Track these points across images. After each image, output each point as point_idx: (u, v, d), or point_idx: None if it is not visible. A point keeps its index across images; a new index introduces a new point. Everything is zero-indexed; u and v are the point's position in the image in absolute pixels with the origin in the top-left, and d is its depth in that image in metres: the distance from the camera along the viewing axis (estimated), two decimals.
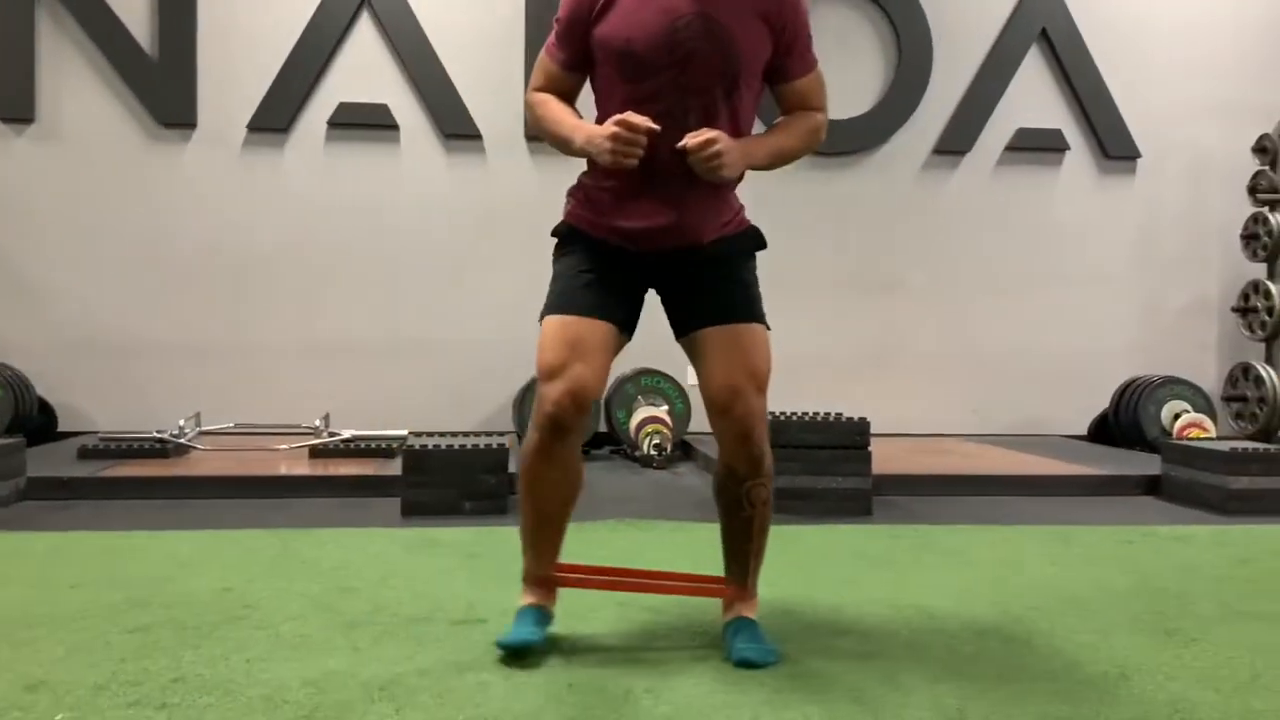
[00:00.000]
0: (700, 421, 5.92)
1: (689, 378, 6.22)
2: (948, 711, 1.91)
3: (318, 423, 5.41)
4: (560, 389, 2.12)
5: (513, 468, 4.24)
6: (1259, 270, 6.42)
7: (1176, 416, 5.84)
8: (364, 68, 6.14)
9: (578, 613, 2.48)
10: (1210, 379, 6.53)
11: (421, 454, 3.92)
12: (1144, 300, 6.73)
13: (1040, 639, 2.38)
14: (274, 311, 6.11)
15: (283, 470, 4.66)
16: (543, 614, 2.26)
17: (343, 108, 6.09)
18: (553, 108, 2.23)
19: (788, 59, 2.16)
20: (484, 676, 2.07)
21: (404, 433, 5.10)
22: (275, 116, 6.07)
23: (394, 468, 4.37)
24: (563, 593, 2.36)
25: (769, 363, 2.20)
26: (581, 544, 3.35)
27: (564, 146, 2.21)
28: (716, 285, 2.21)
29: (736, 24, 2.07)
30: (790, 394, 6.09)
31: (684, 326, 2.26)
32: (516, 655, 2.14)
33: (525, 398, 5.70)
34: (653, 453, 5.36)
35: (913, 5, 6.43)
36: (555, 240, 2.35)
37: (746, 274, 2.25)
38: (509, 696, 1.96)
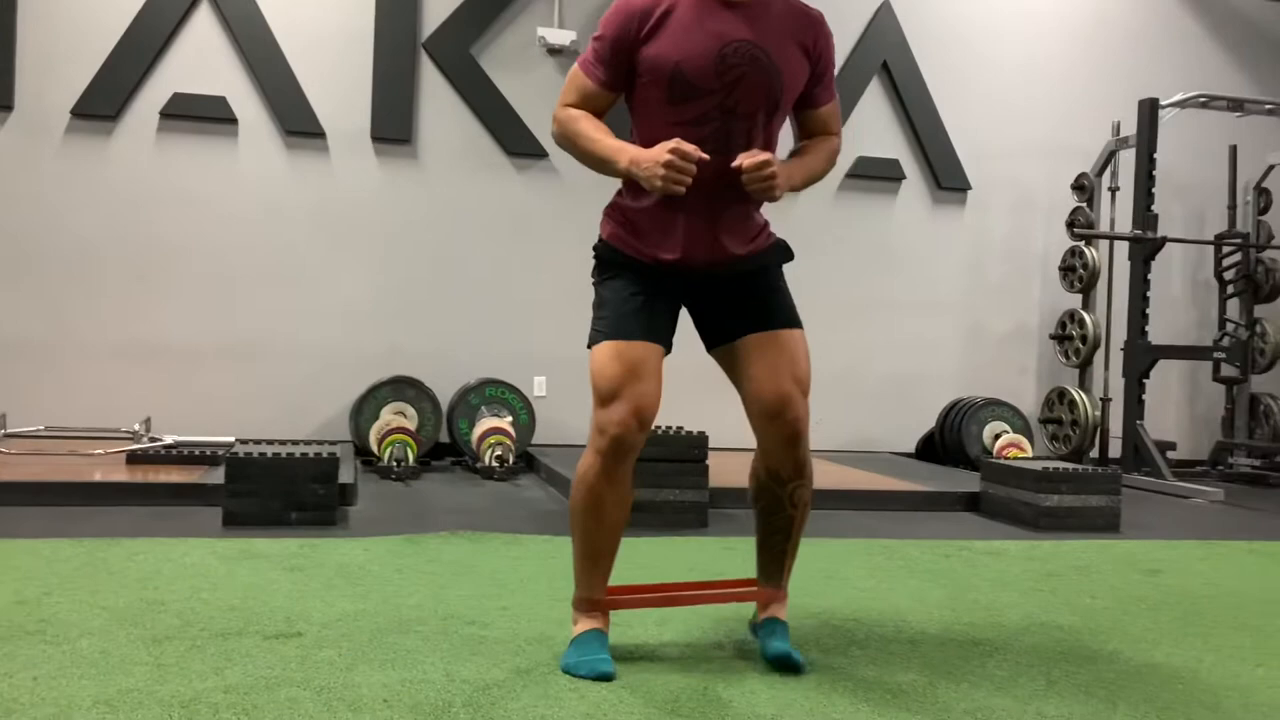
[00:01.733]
0: (544, 433, 5.91)
1: (535, 389, 6.23)
2: None
3: (137, 427, 5.14)
4: (624, 410, 2.14)
5: (344, 478, 4.13)
6: (1075, 300, 6.83)
7: (997, 437, 6.14)
8: (202, 58, 5.89)
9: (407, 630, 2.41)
10: (1029, 402, 6.91)
11: (245, 461, 3.76)
12: (970, 325, 7.07)
13: (856, 648, 2.45)
14: (94, 309, 5.77)
15: (97, 477, 4.41)
16: (602, 637, 2.23)
17: (177, 98, 5.82)
18: (588, 126, 2.23)
19: (817, 87, 2.27)
20: (295, 692, 1.99)
21: (231, 439, 4.90)
22: (103, 103, 5.76)
23: (217, 476, 4.18)
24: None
25: (810, 366, 2.27)
26: (411, 557, 3.29)
27: (601, 166, 2.22)
28: (755, 295, 2.28)
29: (779, 51, 2.16)
30: None
31: (723, 336, 2.30)
32: (600, 680, 2.12)
33: (363, 406, 5.56)
34: (494, 464, 5.30)
35: None
36: (595, 258, 2.34)
37: (781, 283, 2.33)
38: (320, 712, 1.89)
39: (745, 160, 2.09)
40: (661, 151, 2.07)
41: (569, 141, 2.26)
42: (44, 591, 2.67)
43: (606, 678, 2.11)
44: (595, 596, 2.26)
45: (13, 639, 2.26)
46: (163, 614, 2.51)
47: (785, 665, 2.21)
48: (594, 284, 2.32)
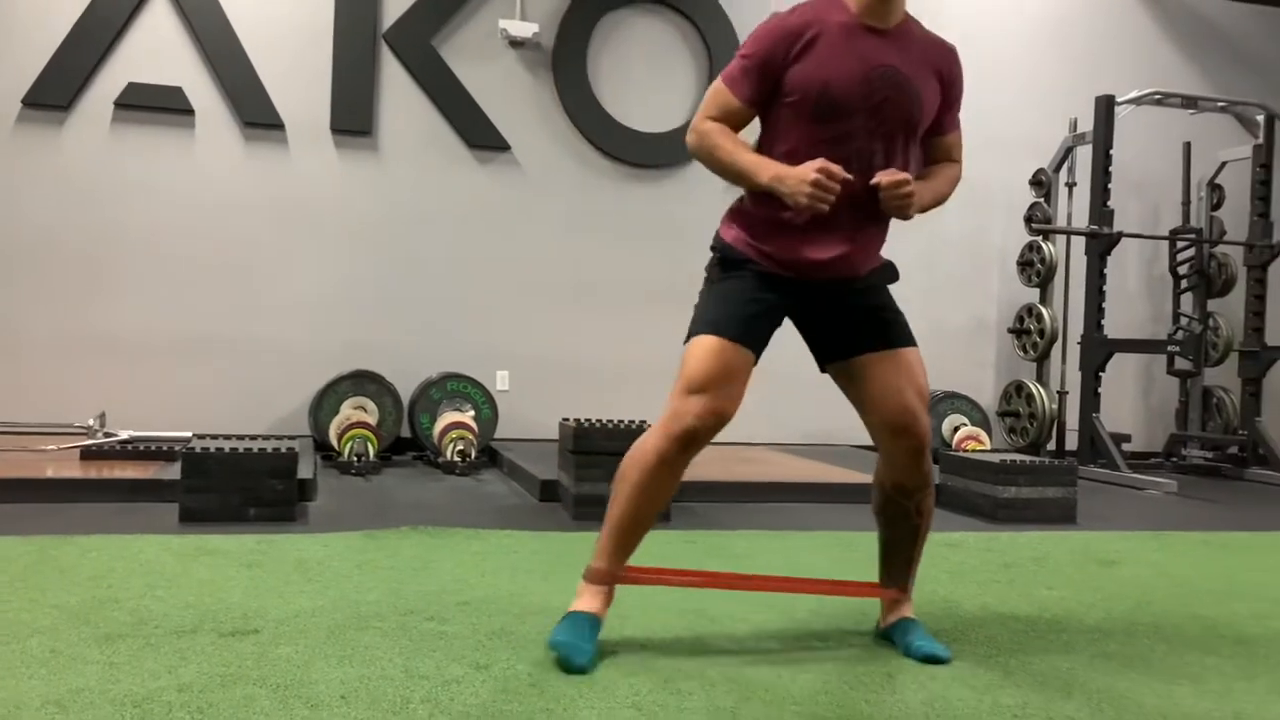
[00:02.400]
0: (507, 428, 5.89)
1: (498, 383, 6.21)
2: (720, 715, 1.94)
3: (92, 422, 5.06)
4: (706, 405, 2.22)
5: (303, 473, 4.09)
6: (1033, 295, 6.91)
7: (956, 429, 6.21)
8: (157, 47, 5.80)
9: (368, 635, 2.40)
10: (987, 395, 6.98)
11: (202, 457, 3.72)
12: (929, 319, 7.09)
13: (816, 640, 2.47)
14: (46, 302, 5.68)
15: (49, 473, 4.33)
16: (597, 623, 2.27)
17: (132, 88, 5.74)
18: (728, 139, 2.28)
19: (947, 114, 2.35)
20: (251, 690, 1.97)
21: (188, 434, 4.84)
22: (55, 93, 5.66)
23: (174, 471, 4.13)
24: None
25: (928, 383, 2.37)
26: (371, 553, 3.27)
27: (739, 179, 2.28)
28: (874, 313, 2.36)
29: (920, 77, 2.26)
30: (599, 403, 6.15)
31: (842, 353, 2.37)
32: (569, 671, 2.13)
33: (323, 401, 5.51)
34: (456, 458, 5.28)
35: (721, 20, 6.60)
36: (717, 257, 2.40)
37: (893, 302, 2.42)
38: (276, 710, 1.87)
39: (884, 178, 2.18)
40: (808, 170, 2.14)
41: (708, 153, 2.31)
42: None
43: (577, 670, 2.12)
44: (614, 571, 2.31)
45: None
46: (116, 612, 2.47)
47: (935, 660, 2.31)
48: (709, 281, 2.40)
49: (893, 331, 2.35)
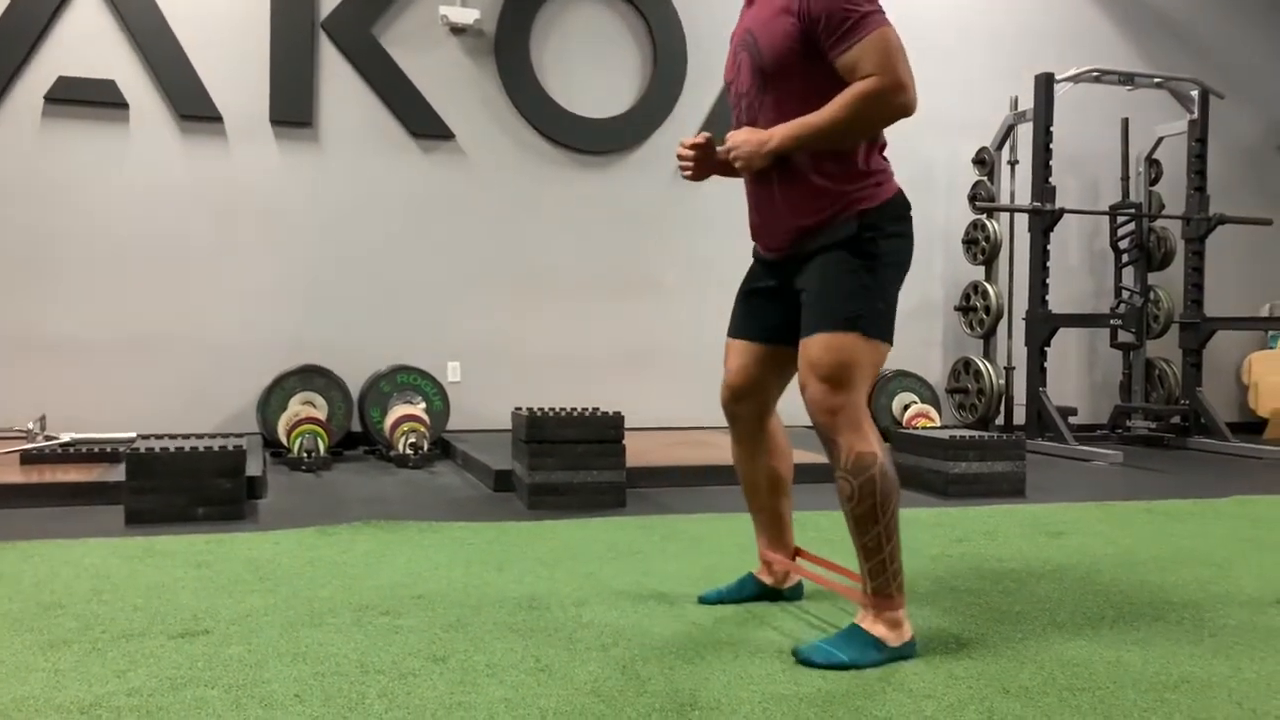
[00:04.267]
0: (459, 419, 5.85)
1: (449, 374, 6.16)
2: (680, 697, 1.94)
3: (31, 425, 4.93)
4: (722, 392, 2.55)
5: (252, 471, 4.03)
6: (978, 273, 6.99)
7: (906, 407, 6.27)
8: (87, 39, 5.65)
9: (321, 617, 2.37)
10: (936, 373, 7.06)
11: (147, 457, 3.64)
12: None
13: (772, 619, 2.48)
14: None
15: None
16: (751, 580, 2.63)
17: (62, 82, 5.59)
18: None
19: (826, 40, 2.18)
20: (203, 692, 1.94)
21: (132, 435, 4.75)
22: None
23: (118, 473, 4.05)
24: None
25: (842, 355, 2.20)
26: (323, 549, 3.23)
27: None
28: (801, 299, 2.31)
29: (765, 26, 2.26)
30: (551, 391, 6.13)
31: (788, 341, 2.39)
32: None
33: (270, 397, 5.43)
34: (408, 451, 5.23)
35: (666, 6, 6.58)
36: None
37: (828, 275, 2.25)
38: (229, 711, 1.84)
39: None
40: None
41: None
42: None
43: (705, 600, 2.60)
44: (759, 548, 2.65)
45: None
46: (60, 617, 2.41)
47: (805, 664, 2.15)
48: None
49: (810, 315, 2.27)
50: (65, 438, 4.83)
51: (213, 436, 4.26)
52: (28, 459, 4.60)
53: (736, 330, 2.52)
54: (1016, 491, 4.55)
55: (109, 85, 5.66)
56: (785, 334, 2.37)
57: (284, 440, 5.21)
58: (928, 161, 7.18)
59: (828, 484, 2.40)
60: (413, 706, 1.88)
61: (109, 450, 4.73)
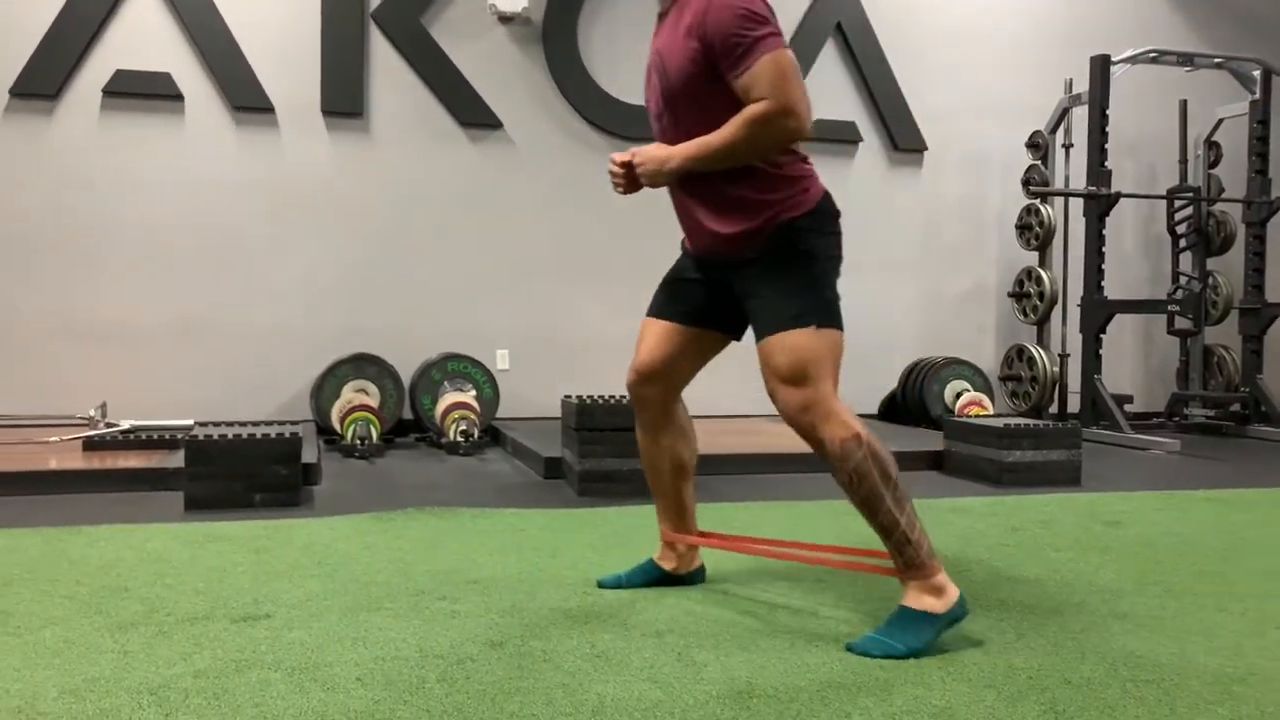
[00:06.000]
0: (508, 407, 5.88)
1: (498, 362, 6.19)
2: (738, 685, 1.94)
3: (93, 413, 5.04)
4: (629, 375, 2.57)
5: (307, 458, 4.09)
6: (1032, 258, 6.89)
7: (958, 395, 6.20)
8: (144, 33, 5.75)
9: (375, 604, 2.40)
10: (988, 360, 6.98)
11: (205, 444, 3.71)
12: (928, 286, 7.11)
13: (826, 609, 2.47)
14: (44, 294, 5.65)
15: (52, 464, 4.32)
16: (652, 566, 2.66)
17: (120, 75, 5.69)
18: None
19: (723, 63, 2.20)
20: (267, 674, 1.97)
21: (190, 423, 4.83)
22: (42, 82, 5.61)
23: (177, 460, 4.13)
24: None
25: (797, 353, 2.24)
26: (378, 535, 3.27)
27: None
28: (745, 304, 2.35)
29: (675, 49, 2.27)
30: (599, 379, 6.13)
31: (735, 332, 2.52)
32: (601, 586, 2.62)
33: (324, 385, 5.50)
34: (459, 439, 5.27)
35: None
36: None
37: (768, 281, 2.29)
38: (293, 694, 1.87)
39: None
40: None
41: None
42: (3, 582, 2.62)
43: (603, 585, 2.64)
44: (662, 531, 2.66)
45: None
46: (127, 601, 2.47)
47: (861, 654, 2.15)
48: None
49: (758, 323, 2.32)
50: (125, 425, 4.94)
51: (268, 424, 4.32)
52: (90, 445, 4.70)
53: (655, 311, 2.55)
54: (1072, 480, 4.49)
55: (165, 78, 5.75)
56: (705, 318, 2.47)
57: (337, 427, 5.28)
58: (980, 146, 7.08)
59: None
60: (472, 691, 1.90)
61: (167, 437, 4.82)
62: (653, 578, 2.65)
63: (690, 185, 2.34)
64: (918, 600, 2.18)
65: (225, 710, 1.79)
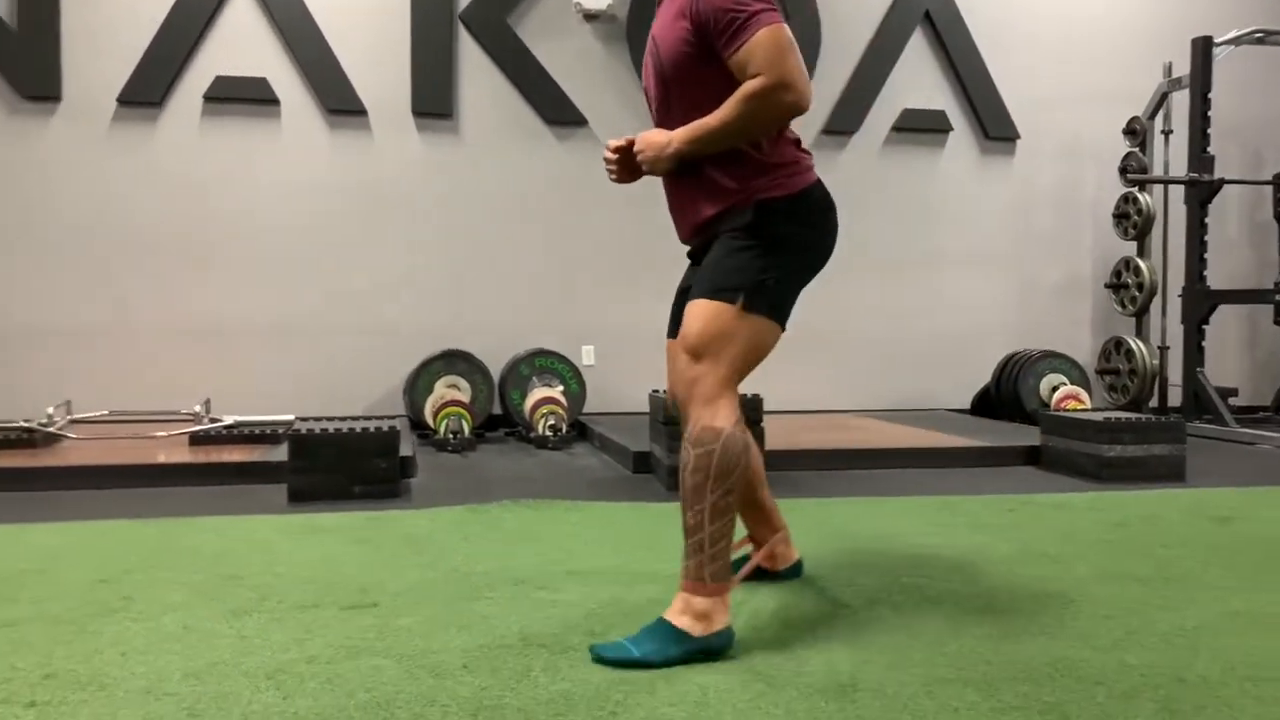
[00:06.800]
0: (595, 402, 5.92)
1: (584, 358, 6.24)
2: (841, 679, 1.94)
3: (198, 408, 5.22)
4: (667, 398, 2.52)
5: (404, 451, 4.17)
6: (1129, 248, 6.70)
7: (1054, 389, 6.06)
8: (241, 40, 5.92)
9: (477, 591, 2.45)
10: (1085, 353, 6.80)
11: (308, 438, 3.81)
12: (1022, 278, 6.96)
13: (927, 605, 2.44)
14: (149, 294, 5.86)
15: (161, 458, 4.48)
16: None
17: (219, 81, 5.87)
18: None
19: (717, 42, 2.15)
20: (377, 661, 2.02)
21: (290, 418, 4.96)
22: (147, 89, 5.81)
23: (279, 454, 4.25)
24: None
25: (711, 325, 2.13)
26: (475, 526, 3.32)
27: None
28: (698, 273, 2.29)
29: (668, 31, 2.23)
30: None
31: None
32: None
33: (417, 381, 5.60)
34: (548, 433, 5.32)
35: None
36: None
37: (720, 250, 2.20)
38: (403, 680, 1.92)
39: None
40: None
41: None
42: (123, 570, 2.72)
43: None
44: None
45: (99, 616, 2.31)
46: (240, 589, 2.55)
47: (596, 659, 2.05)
48: None
49: (695, 285, 2.22)
50: (229, 420, 5.09)
51: (367, 418, 4.42)
52: (196, 440, 4.86)
53: (670, 330, 2.49)
54: (1176, 475, 4.36)
55: (261, 83, 5.92)
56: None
57: (430, 422, 5.37)
58: (1074, 133, 6.91)
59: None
60: (577, 680, 1.92)
61: (269, 432, 4.96)
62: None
63: (683, 170, 2.26)
64: (677, 617, 2.08)
65: (339, 695, 1.85)
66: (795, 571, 2.70)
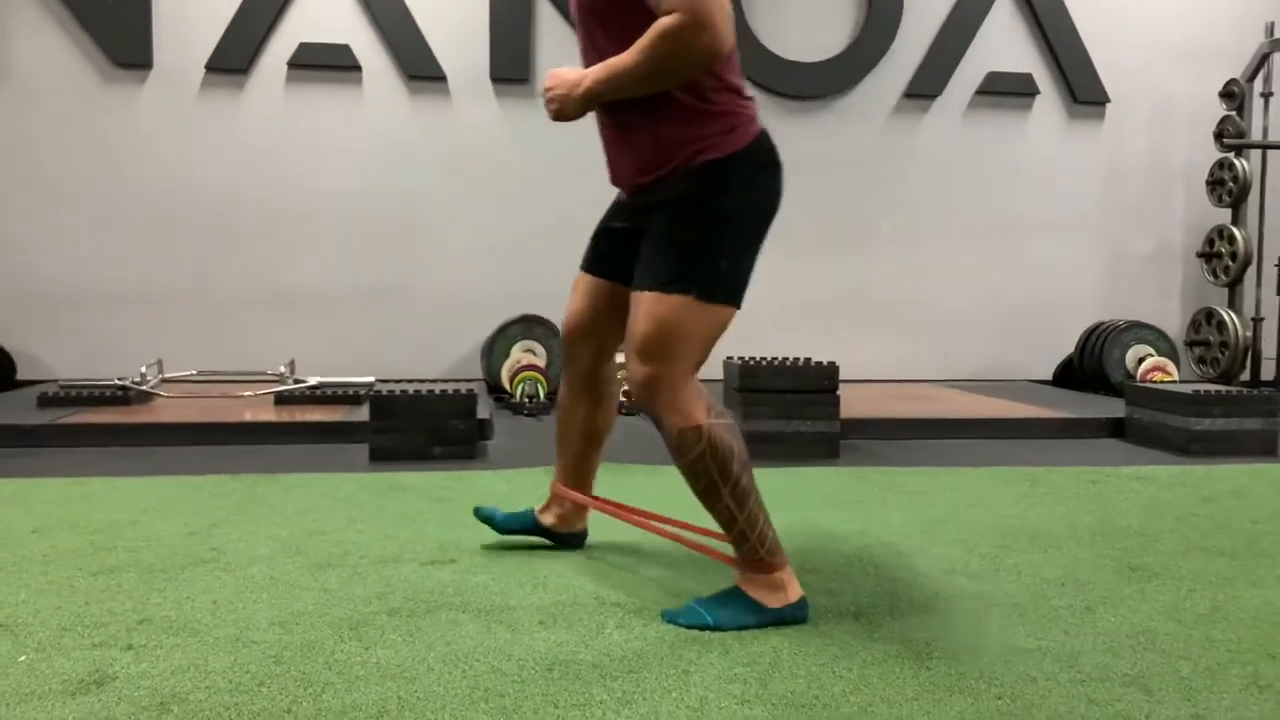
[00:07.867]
0: None
1: None
2: (916, 646, 1.92)
3: (282, 369, 5.35)
4: (561, 329, 2.46)
5: (482, 414, 4.23)
6: (1223, 215, 6.47)
7: (1141, 360, 5.90)
8: (324, 7, 6.00)
9: (554, 553, 2.48)
10: (1174, 324, 6.61)
11: (389, 399, 3.89)
12: (1109, 246, 6.77)
13: (1006, 575, 2.41)
14: (235, 257, 6.01)
15: (247, 417, 4.61)
16: (528, 516, 2.58)
17: (303, 48, 5.96)
18: None
19: None
20: (455, 615, 2.06)
21: (371, 379, 5.07)
22: (234, 57, 5.93)
23: (361, 414, 4.34)
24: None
25: (663, 325, 2.01)
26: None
27: None
28: (643, 244, 2.10)
29: None
30: (765, 341, 6.11)
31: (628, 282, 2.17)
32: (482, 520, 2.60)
33: (494, 345, 5.66)
34: (623, 398, 5.34)
35: None
36: None
37: (674, 224, 2.04)
38: (481, 634, 1.96)
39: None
40: None
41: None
42: (212, 523, 2.82)
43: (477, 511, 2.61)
44: (553, 485, 2.55)
45: (190, 566, 2.40)
46: (323, 543, 2.62)
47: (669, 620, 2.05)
48: None
49: (637, 270, 2.08)
50: (312, 381, 5.21)
51: (445, 381, 4.49)
52: (280, 400, 4.99)
53: (584, 264, 2.39)
54: (1267, 450, 4.22)
55: (344, 50, 6.00)
56: (629, 276, 2.12)
57: (506, 386, 5.43)
58: (1165, 95, 6.67)
59: None
60: (650, 638, 1.94)
61: (350, 393, 5.07)
62: (526, 528, 2.56)
63: (611, 115, 2.11)
64: (750, 587, 2.05)
65: (419, 647, 1.89)
66: (576, 541, 2.59)
